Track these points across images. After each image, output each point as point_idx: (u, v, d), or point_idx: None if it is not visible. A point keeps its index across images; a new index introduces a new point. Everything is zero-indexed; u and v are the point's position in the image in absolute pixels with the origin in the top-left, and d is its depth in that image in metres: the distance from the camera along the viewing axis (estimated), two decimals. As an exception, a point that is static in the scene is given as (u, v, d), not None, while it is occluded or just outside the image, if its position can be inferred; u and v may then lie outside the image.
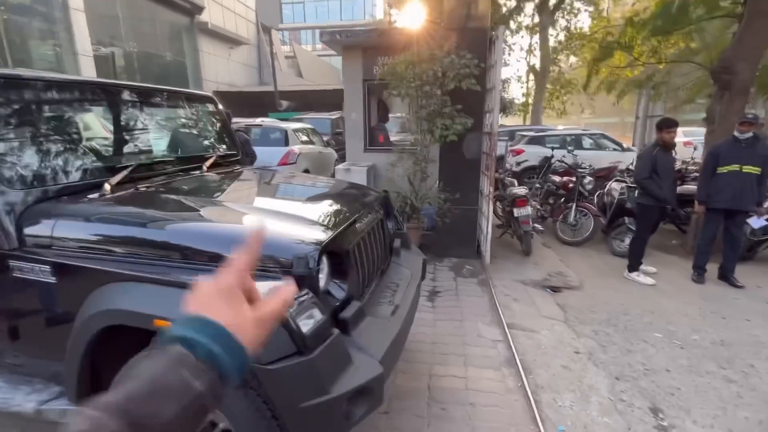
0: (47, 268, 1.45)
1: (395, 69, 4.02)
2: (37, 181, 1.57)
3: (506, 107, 13.44)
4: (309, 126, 7.79)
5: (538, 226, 4.79)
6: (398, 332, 1.66)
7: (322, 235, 1.49)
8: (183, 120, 2.52)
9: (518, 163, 7.38)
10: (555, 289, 3.68)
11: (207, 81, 17.04)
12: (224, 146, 2.70)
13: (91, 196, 1.65)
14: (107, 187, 1.71)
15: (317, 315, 1.29)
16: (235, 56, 19.29)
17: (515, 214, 4.43)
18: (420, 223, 4.39)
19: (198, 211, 1.66)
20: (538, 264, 4.33)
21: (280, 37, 26.45)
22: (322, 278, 1.48)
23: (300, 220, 1.60)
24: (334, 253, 1.57)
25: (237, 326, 0.38)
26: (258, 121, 7.14)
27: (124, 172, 1.80)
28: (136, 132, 2.11)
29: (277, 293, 0.44)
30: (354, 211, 1.84)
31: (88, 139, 1.86)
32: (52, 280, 1.45)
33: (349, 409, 1.32)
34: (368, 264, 1.82)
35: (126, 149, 2.05)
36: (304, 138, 7.24)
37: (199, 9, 15.61)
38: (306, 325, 1.23)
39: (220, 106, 2.85)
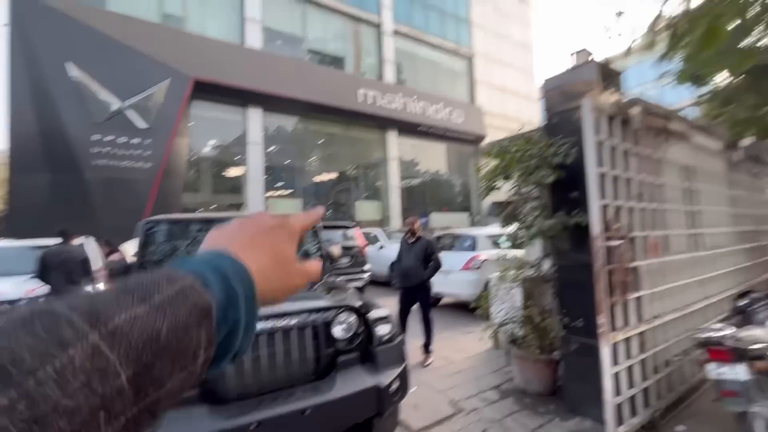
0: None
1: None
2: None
3: None
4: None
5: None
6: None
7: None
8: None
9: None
10: None
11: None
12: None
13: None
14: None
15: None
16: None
17: (709, 374, 2.51)
18: (544, 354, 3.31)
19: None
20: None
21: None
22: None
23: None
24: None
25: (284, 272, 0.38)
26: (459, 230, 7.66)
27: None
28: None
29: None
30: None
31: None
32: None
33: None
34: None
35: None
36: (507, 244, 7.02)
37: (481, 138, 18.68)
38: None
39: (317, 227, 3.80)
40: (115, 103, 10.01)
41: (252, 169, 12.67)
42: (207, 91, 11.50)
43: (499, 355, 4.48)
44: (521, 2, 23.03)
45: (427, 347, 4.45)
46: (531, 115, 21.83)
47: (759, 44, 5.33)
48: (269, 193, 13.41)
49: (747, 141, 6.39)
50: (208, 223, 3.42)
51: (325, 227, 4.04)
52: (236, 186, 13.61)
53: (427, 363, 4.30)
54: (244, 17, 12.88)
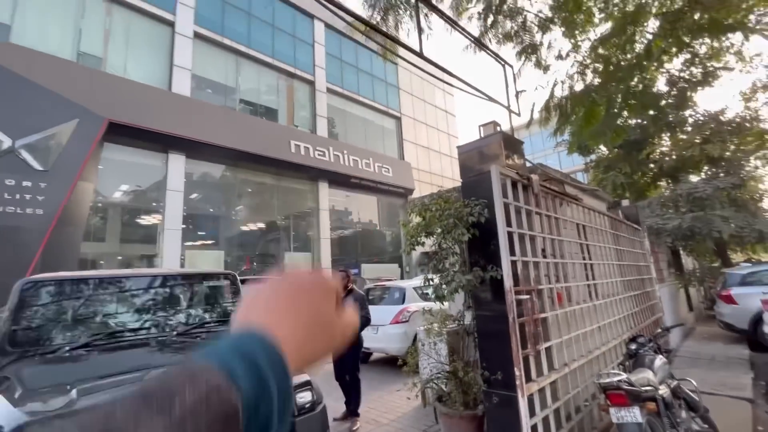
0: None
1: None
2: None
3: None
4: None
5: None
6: None
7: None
8: (171, 296, 3.25)
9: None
10: None
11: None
12: (208, 315, 3.26)
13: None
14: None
15: None
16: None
17: (612, 418, 2.71)
18: (468, 409, 3.32)
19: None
20: None
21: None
22: None
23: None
24: None
25: (326, 334, 0.37)
26: (388, 282, 7.74)
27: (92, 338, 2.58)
28: (126, 310, 2.97)
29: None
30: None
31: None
32: None
33: None
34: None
35: (116, 321, 2.89)
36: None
37: (410, 191, 19.66)
38: None
39: (237, 281, 3.56)
40: (6, 142, 8.82)
41: (170, 218, 11.72)
42: (123, 134, 10.71)
43: (427, 413, 4.39)
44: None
45: (354, 411, 4.21)
46: (454, 173, 23.65)
47: (626, 124, 6.48)
48: (188, 243, 12.41)
49: (625, 202, 7.57)
50: (102, 283, 2.99)
51: (243, 281, 3.77)
52: (150, 235, 12.39)
53: (354, 429, 4.04)
54: (173, 64, 12.59)
